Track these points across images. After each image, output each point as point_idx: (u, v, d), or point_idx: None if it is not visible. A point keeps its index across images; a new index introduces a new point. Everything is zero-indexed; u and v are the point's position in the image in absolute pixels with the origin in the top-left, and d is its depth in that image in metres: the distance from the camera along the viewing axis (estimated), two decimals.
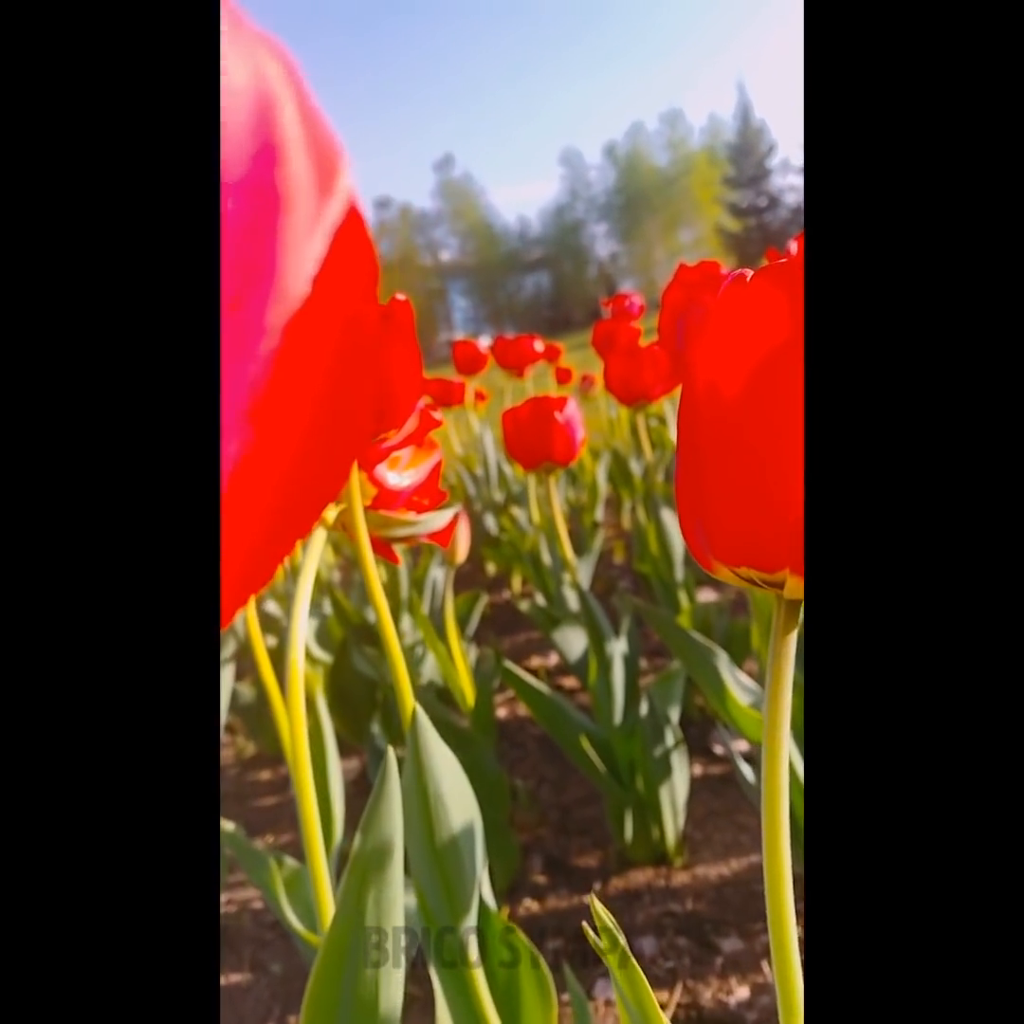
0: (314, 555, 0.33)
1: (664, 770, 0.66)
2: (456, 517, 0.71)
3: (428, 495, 0.40)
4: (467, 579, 1.68)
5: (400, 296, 0.33)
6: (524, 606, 0.84)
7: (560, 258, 23.29)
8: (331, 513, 0.36)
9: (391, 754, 0.28)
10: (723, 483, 0.18)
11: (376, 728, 0.72)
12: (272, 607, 1.20)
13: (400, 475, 0.38)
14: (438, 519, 0.39)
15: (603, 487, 1.59)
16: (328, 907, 0.33)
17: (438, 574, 1.13)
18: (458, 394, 1.74)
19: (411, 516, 0.38)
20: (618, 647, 0.75)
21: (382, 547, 0.39)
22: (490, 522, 1.64)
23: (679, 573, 0.91)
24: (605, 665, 0.63)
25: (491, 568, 1.69)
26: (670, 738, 0.65)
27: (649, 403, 0.85)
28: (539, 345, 1.62)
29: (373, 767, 0.69)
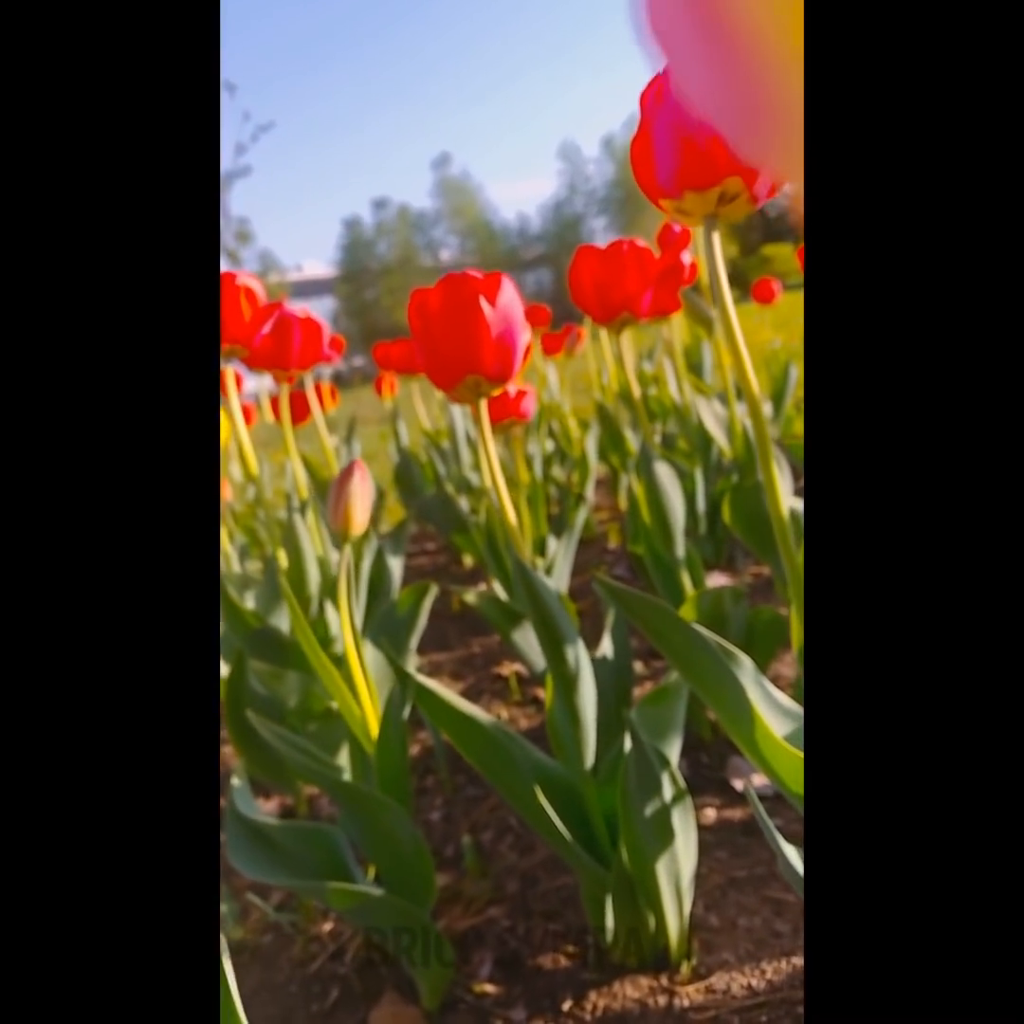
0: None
1: (660, 833, 0.44)
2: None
3: None
4: (441, 572, 1.46)
5: None
6: (469, 596, 0.62)
7: (560, 254, 23.09)
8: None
9: None
10: None
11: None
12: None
13: None
14: None
15: (594, 462, 1.36)
16: None
17: (392, 562, 0.91)
18: None
19: None
20: (596, 651, 0.54)
21: None
22: (465, 505, 1.42)
23: (680, 549, 0.68)
24: (566, 681, 0.41)
25: (468, 561, 1.47)
26: (667, 787, 0.43)
27: (634, 319, 0.63)
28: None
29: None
